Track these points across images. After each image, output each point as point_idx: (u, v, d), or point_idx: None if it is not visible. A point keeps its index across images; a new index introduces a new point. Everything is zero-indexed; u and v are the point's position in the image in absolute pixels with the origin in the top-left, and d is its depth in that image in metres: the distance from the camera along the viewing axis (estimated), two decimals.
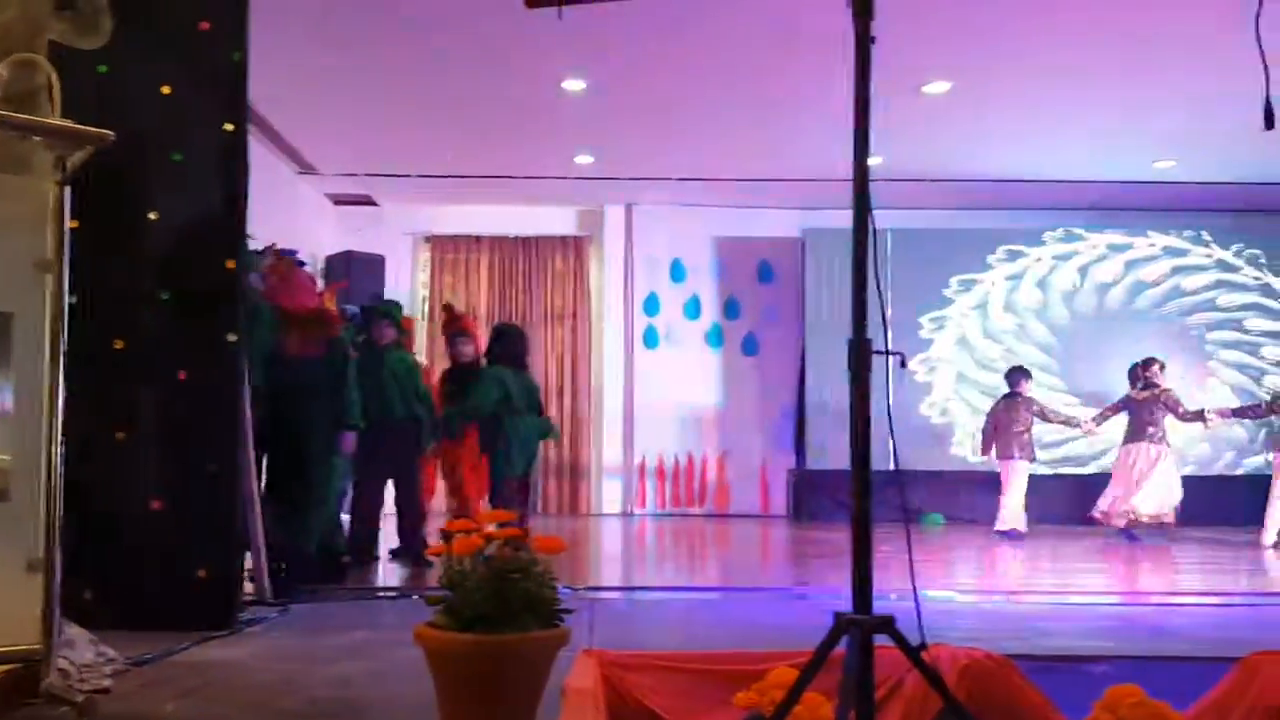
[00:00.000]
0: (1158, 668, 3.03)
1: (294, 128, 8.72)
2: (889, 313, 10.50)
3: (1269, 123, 2.19)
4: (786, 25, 6.35)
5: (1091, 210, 10.95)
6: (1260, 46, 2.23)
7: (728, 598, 5.17)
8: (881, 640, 2.24)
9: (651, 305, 11.16)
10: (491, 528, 2.16)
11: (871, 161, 8.07)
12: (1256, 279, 10.81)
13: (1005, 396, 9.12)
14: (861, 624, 2.18)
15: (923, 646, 2.26)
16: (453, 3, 6.19)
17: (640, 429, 11.02)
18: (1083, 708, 2.74)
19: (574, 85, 7.57)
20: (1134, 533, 8.50)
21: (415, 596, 4.70)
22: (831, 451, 9.91)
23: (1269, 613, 4.42)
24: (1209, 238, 10.85)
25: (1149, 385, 8.78)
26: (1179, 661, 3.10)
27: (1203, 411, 8.82)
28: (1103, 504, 8.79)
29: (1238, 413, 9.22)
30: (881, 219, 9.10)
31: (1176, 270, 10.81)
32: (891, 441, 2.35)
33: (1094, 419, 9.12)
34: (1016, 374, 9.18)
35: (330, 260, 10.23)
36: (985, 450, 9.21)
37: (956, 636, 3.21)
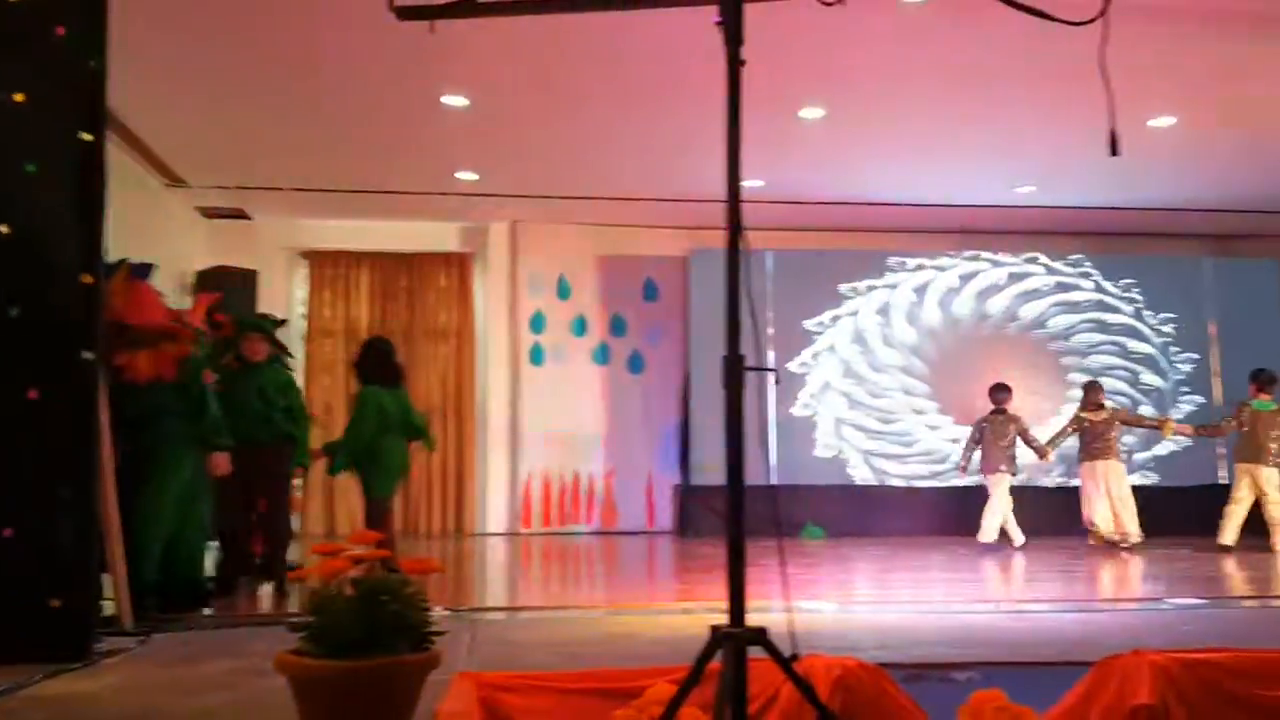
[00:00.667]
0: (1020, 673, 3.16)
1: (161, 138, 8.39)
2: (770, 331, 10.75)
3: (1113, 149, 2.32)
4: (667, 47, 6.43)
5: (961, 233, 11.40)
6: (1105, 78, 2.36)
7: (612, 615, 5.16)
8: (757, 652, 2.27)
9: (537, 323, 11.11)
10: (358, 550, 2.10)
11: (752, 184, 8.35)
12: (1114, 300, 11.39)
13: (993, 412, 9.52)
14: (736, 637, 2.21)
15: (795, 657, 2.30)
16: (327, 13, 6.05)
17: (526, 447, 10.94)
18: (949, 713, 2.82)
19: (455, 101, 7.50)
20: (1120, 542, 8.89)
21: (282, 624, 4.53)
22: (717, 468, 9.97)
23: (1125, 618, 4.64)
24: (1068, 260, 11.40)
25: (1100, 406, 9.38)
26: (1040, 667, 3.23)
27: (1160, 424, 9.62)
28: (1092, 516, 9.23)
29: (1200, 430, 9.79)
30: (763, 240, 9.41)
31: (1037, 291, 11.31)
32: (765, 457, 2.38)
33: (1049, 443, 9.56)
34: (1002, 391, 9.61)
35: (201, 275, 9.87)
36: (965, 462, 9.65)
37: (832, 646, 3.26)
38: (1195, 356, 11.32)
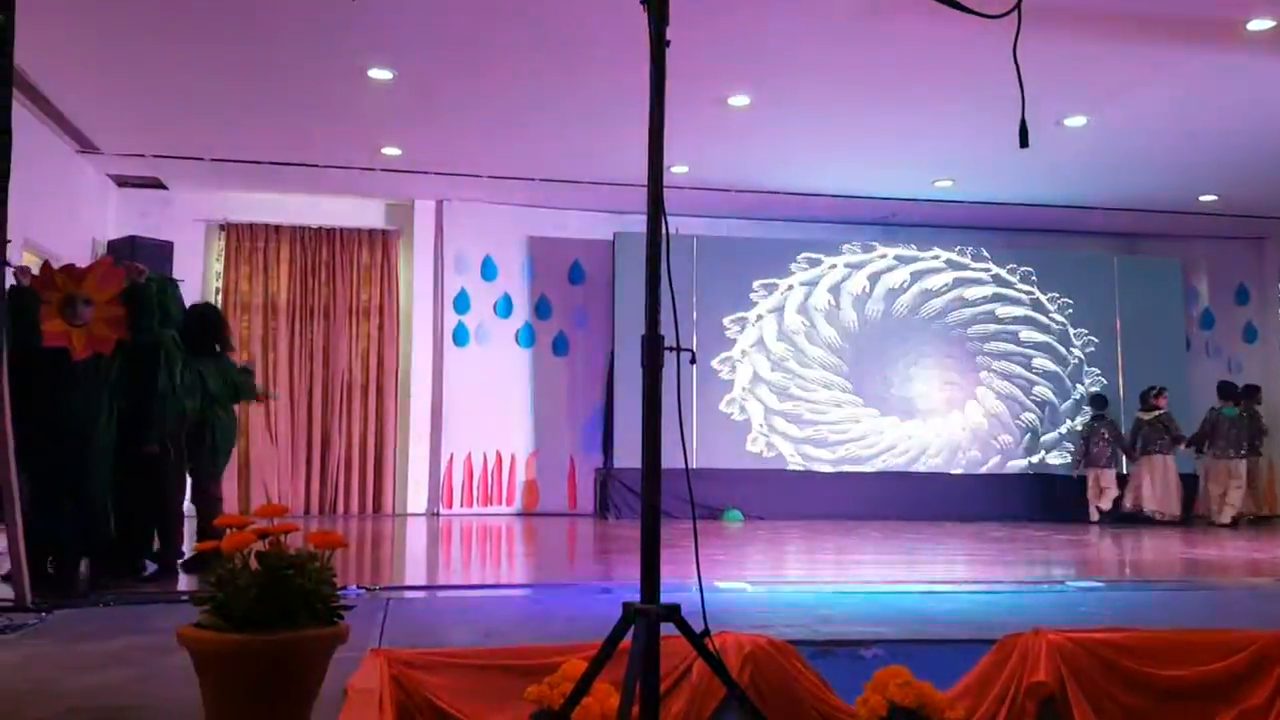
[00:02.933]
0: (924, 650, 3.25)
1: (72, 101, 8.09)
2: (694, 316, 10.84)
3: (1023, 141, 2.39)
4: (594, 27, 6.41)
5: (881, 225, 11.61)
6: (1018, 73, 2.43)
7: (530, 594, 5.16)
8: (670, 630, 2.31)
9: (462, 303, 11.02)
10: (263, 524, 2.07)
11: (677, 170, 8.34)
12: (1028, 294, 11.71)
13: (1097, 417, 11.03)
14: (648, 613, 2.24)
15: (706, 634, 2.33)
16: None
17: (449, 427, 10.85)
18: (856, 688, 2.90)
19: (381, 75, 7.38)
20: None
21: (186, 599, 4.44)
22: (639, 450, 10.03)
23: (1027, 598, 4.80)
24: (987, 254, 11.69)
25: (1155, 409, 10.84)
26: (944, 644, 3.32)
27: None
28: (1139, 502, 10.67)
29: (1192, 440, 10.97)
30: (689, 225, 9.47)
31: (957, 283, 11.57)
32: (682, 438, 2.40)
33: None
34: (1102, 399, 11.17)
35: (113, 246, 9.55)
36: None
37: (745, 624, 3.32)
38: (1098, 346, 11.71)
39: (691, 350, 2.31)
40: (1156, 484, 10.75)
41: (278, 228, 10.79)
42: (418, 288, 11.02)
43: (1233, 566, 6.66)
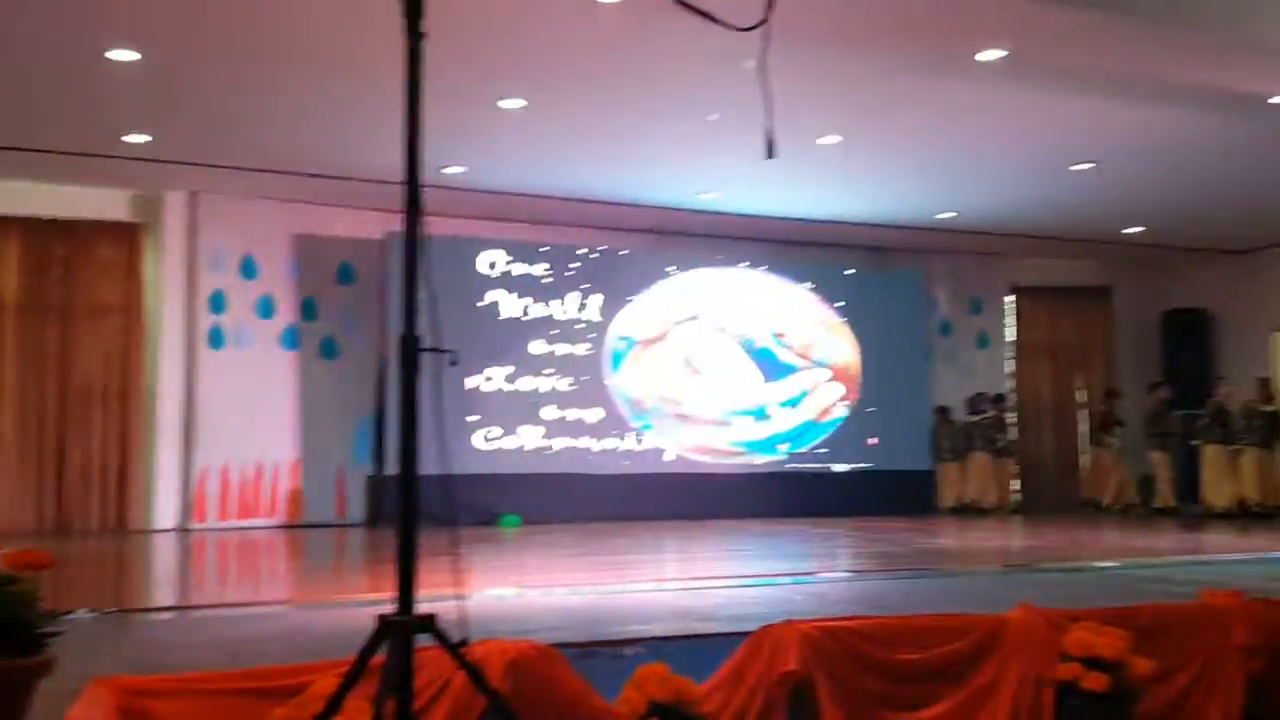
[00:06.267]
0: (684, 645, 3.33)
1: None
2: (481, 319, 10.75)
3: (769, 152, 2.49)
4: (360, 13, 6.18)
5: (655, 233, 11.89)
6: (764, 83, 2.53)
7: (287, 611, 4.91)
8: (430, 641, 2.24)
9: (218, 303, 10.36)
10: None
11: (453, 170, 8.19)
12: (794, 302, 12.30)
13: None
14: (402, 625, 2.17)
15: (464, 643, 2.29)
16: None
17: (203, 434, 10.17)
18: (617, 687, 2.93)
19: (123, 55, 6.82)
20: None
21: None
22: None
23: (784, 590, 5.03)
24: (751, 264, 12.18)
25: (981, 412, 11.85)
26: (703, 639, 3.42)
27: None
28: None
29: None
30: (466, 228, 9.28)
31: (728, 291, 12.00)
32: (442, 443, 2.35)
33: None
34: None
35: None
36: None
37: (510, 631, 3.29)
38: (859, 352, 12.48)
39: (452, 351, 2.26)
40: (984, 479, 12.24)
41: (5, 218, 9.77)
42: (168, 286, 10.25)
43: (972, 554, 7.25)
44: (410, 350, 2.20)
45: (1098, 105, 7.89)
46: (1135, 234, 12.31)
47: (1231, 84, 7.31)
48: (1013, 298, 13.78)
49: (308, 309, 10.75)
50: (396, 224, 10.10)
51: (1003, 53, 6.80)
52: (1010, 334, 13.78)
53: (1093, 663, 3.18)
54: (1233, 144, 8.83)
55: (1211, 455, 11.18)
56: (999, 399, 12.93)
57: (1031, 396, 13.63)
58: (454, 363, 2.28)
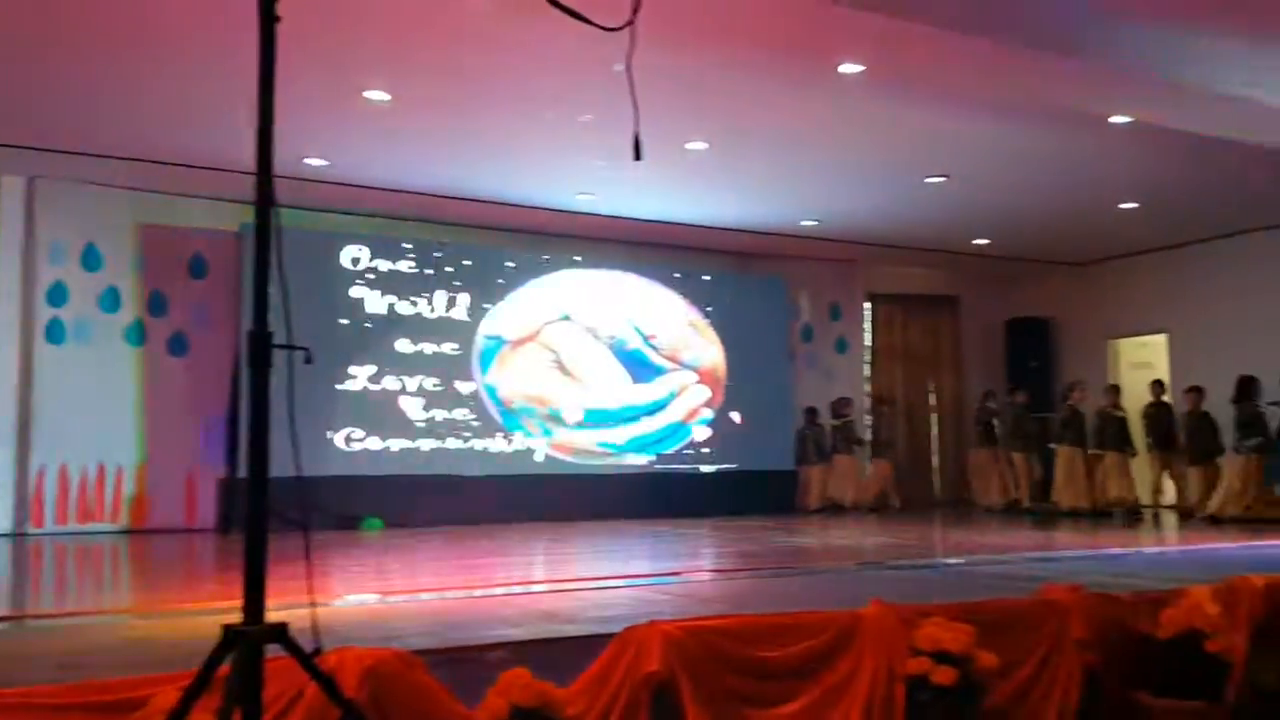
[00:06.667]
0: (548, 649, 3.30)
1: None
2: (349, 317, 10.47)
3: (637, 154, 2.50)
4: None
5: (530, 233, 11.81)
6: (631, 85, 2.53)
7: (129, 620, 4.65)
8: (280, 651, 2.15)
9: (58, 295, 9.77)
10: None
11: (315, 162, 7.93)
12: (671, 306, 12.40)
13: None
14: (249, 634, 2.08)
15: (317, 652, 2.21)
16: None
17: (41, 435, 9.57)
18: (482, 694, 2.88)
19: None
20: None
21: None
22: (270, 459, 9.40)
23: (646, 592, 5.05)
24: (622, 267, 12.23)
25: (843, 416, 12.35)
26: (567, 641, 3.40)
27: None
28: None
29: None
30: (328, 221, 9.01)
31: (602, 294, 12.01)
32: (294, 443, 2.25)
33: None
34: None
35: None
36: None
37: (373, 637, 3.20)
38: (716, 356, 12.69)
39: (306, 349, 2.17)
40: (847, 479, 12.65)
41: None
42: (3, 277, 9.60)
43: (831, 553, 7.45)
44: (261, 347, 2.11)
45: (950, 120, 8.25)
46: (983, 245, 12.92)
47: (1074, 104, 7.74)
48: (869, 304, 14.29)
49: (156, 303, 10.25)
50: (251, 215, 9.80)
51: (861, 67, 7.02)
52: (868, 339, 14.29)
53: (941, 657, 3.30)
54: (1074, 161, 9.36)
55: (1067, 457, 11.79)
56: (885, 400, 13.80)
57: (887, 399, 14.14)
58: (308, 360, 2.20)
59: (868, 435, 13.44)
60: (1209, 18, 6.58)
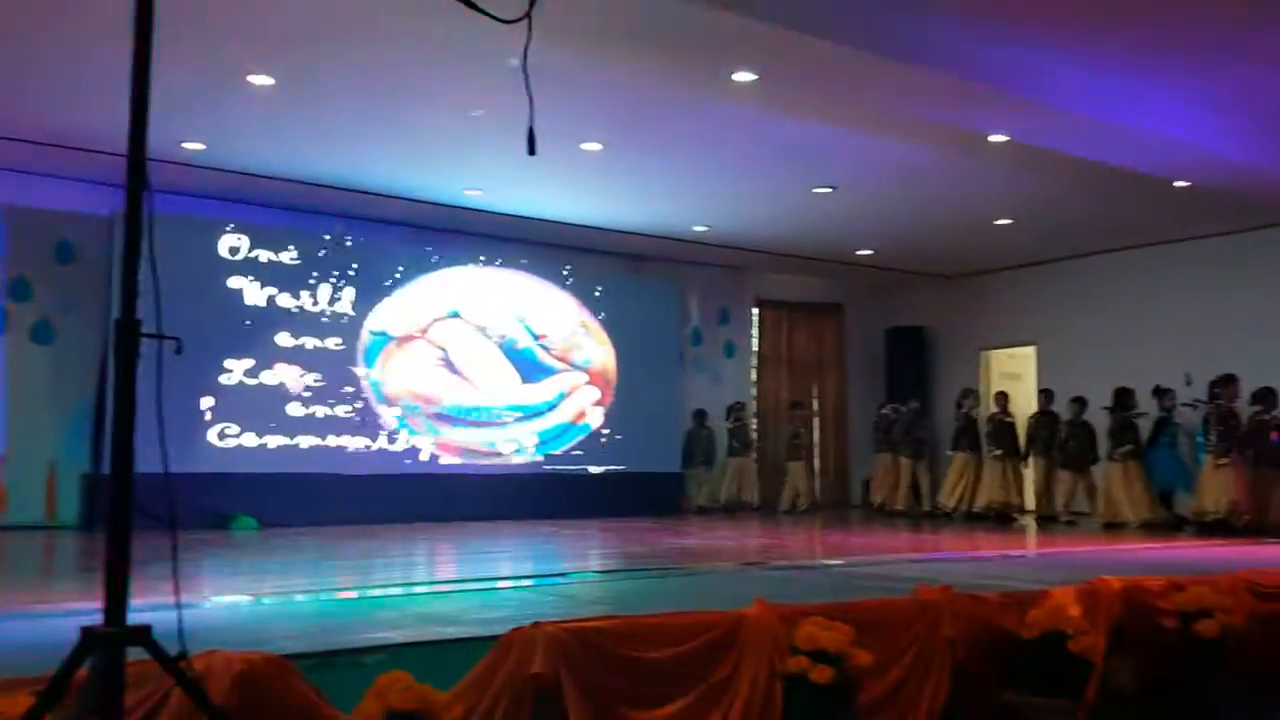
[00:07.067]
0: (430, 651, 3.24)
1: None
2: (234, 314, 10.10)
3: (531, 148, 2.48)
4: None
5: (415, 227, 11.61)
6: (526, 79, 2.51)
7: None
8: (143, 654, 2.06)
9: None
10: None
11: (192, 146, 7.65)
12: (558, 305, 12.35)
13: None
14: (109, 637, 1.98)
15: (183, 656, 2.12)
16: None
17: None
18: (358, 698, 2.80)
19: None
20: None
21: None
22: (136, 453, 9.00)
23: (531, 593, 5.02)
24: (521, 265, 12.14)
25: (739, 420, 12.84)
26: (449, 644, 3.34)
27: None
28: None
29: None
30: (206, 207, 8.70)
31: (488, 291, 11.88)
32: (161, 437, 2.16)
33: None
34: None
35: None
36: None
37: (244, 640, 3.08)
38: (606, 357, 12.70)
39: (177, 339, 2.08)
40: (741, 480, 12.96)
41: None
42: None
43: (717, 553, 7.52)
44: (128, 336, 2.01)
45: (838, 132, 8.45)
46: (866, 256, 13.29)
47: (956, 120, 8.01)
48: (757, 310, 14.54)
49: (19, 289, 9.72)
50: (123, 199, 9.39)
51: (754, 75, 7.12)
52: (755, 344, 14.53)
53: (819, 656, 3.36)
54: (954, 177, 9.71)
55: (960, 462, 12.19)
56: (801, 405, 14.15)
57: (773, 404, 14.40)
58: (179, 351, 2.11)
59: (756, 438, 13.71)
60: (1081, 45, 6.91)
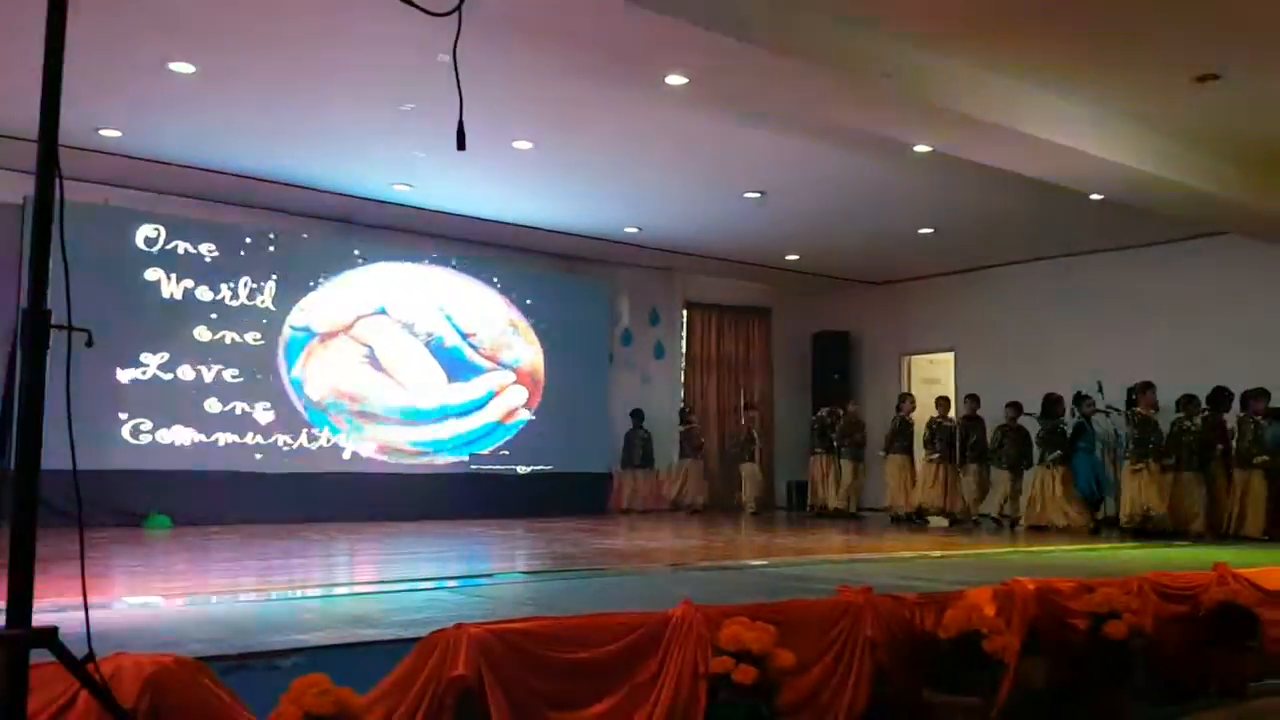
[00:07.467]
0: (348, 654, 3.18)
1: None
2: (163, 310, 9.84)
3: (460, 143, 2.45)
4: None
5: (342, 221, 11.41)
6: (456, 73, 2.48)
7: None
8: (48, 657, 1.99)
9: None
10: None
11: (108, 133, 7.43)
12: (489, 304, 12.25)
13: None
14: (13, 639, 1.91)
15: (90, 658, 2.05)
16: None
17: None
18: (273, 703, 2.74)
19: None
20: None
21: None
22: (44, 449, 8.69)
23: (454, 594, 4.97)
24: (449, 263, 12.01)
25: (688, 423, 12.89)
26: (369, 646, 3.28)
27: None
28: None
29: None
30: (122, 197, 8.42)
31: (415, 288, 11.74)
32: (70, 433, 2.08)
33: None
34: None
35: None
36: None
37: (154, 643, 2.99)
38: (535, 357, 12.66)
39: (88, 331, 2.01)
40: (690, 482, 13.22)
41: None
42: None
43: (643, 554, 7.53)
44: (37, 327, 1.95)
45: (767, 138, 8.54)
46: (793, 261, 13.45)
47: (883, 130, 8.13)
48: (686, 312, 14.62)
49: None
50: (34, 186, 9.02)
51: (686, 79, 7.15)
52: (684, 345, 14.61)
53: (742, 656, 3.39)
54: (880, 186, 9.88)
55: (896, 465, 12.38)
56: (751, 406, 14.36)
57: (700, 405, 14.49)
58: (90, 343, 2.04)
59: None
60: (1005, 58, 7.08)
